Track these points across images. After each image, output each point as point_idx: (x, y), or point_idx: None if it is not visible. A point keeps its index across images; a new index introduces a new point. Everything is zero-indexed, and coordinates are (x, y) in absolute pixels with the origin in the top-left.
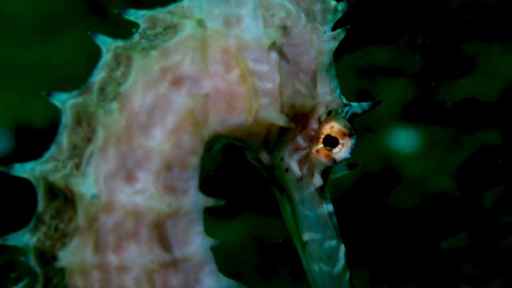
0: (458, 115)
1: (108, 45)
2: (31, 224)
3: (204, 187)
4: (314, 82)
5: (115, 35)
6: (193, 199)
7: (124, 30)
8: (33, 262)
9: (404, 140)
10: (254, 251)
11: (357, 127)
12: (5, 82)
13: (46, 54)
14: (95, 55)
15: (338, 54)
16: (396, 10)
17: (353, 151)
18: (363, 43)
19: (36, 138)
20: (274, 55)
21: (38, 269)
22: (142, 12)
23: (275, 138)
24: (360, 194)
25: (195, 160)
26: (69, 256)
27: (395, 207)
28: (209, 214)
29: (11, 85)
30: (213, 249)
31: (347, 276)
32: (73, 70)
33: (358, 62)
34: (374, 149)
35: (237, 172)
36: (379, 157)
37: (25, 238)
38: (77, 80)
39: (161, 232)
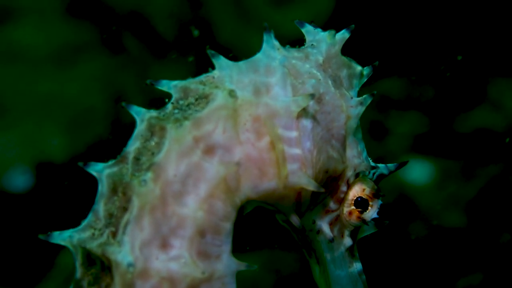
0: (470, 146)
1: (142, 116)
2: None
3: None
4: (344, 147)
5: (128, 66)
6: (226, 264)
7: (136, 60)
8: None
9: (417, 171)
10: (270, 285)
11: (370, 157)
12: (22, 114)
13: (61, 85)
14: (109, 86)
15: None
16: (409, 42)
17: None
18: (376, 75)
19: (56, 173)
20: (304, 122)
21: None
22: (175, 83)
23: (307, 202)
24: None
25: (228, 226)
26: None
27: (409, 239)
28: None
29: (28, 117)
30: None
31: None
32: (88, 101)
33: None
34: (388, 180)
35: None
36: (392, 188)
37: None
38: (92, 111)
39: None
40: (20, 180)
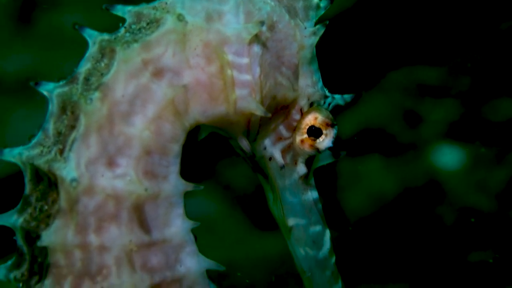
0: (503, 134)
1: (94, 38)
2: (19, 206)
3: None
4: (296, 76)
5: None
6: (174, 184)
7: None
8: (20, 241)
9: (448, 157)
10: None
11: (404, 144)
12: None
13: None
14: None
15: (383, 72)
16: (444, 30)
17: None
18: (411, 62)
19: None
20: (255, 49)
21: (24, 248)
22: (129, 8)
23: (256, 127)
24: (402, 207)
25: (176, 147)
26: (51, 236)
27: (435, 222)
28: (254, 226)
29: None
30: (257, 260)
31: (333, 260)
32: None
33: (405, 81)
34: (418, 165)
35: None
36: (423, 172)
37: (13, 219)
38: None
39: (141, 215)
40: None
